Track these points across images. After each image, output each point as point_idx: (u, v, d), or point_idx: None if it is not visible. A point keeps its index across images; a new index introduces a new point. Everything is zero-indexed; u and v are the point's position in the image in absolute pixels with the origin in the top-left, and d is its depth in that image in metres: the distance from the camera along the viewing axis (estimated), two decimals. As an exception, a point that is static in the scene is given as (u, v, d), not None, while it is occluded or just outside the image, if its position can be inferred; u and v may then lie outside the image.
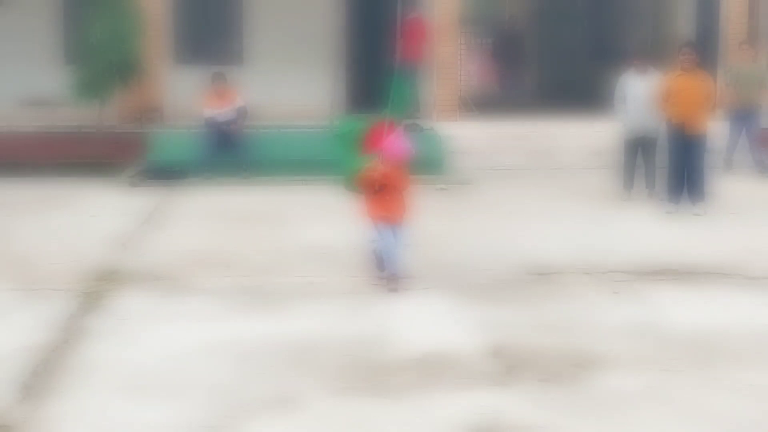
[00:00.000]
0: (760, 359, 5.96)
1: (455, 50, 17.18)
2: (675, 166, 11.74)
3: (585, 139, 16.77)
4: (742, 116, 14.97)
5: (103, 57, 14.93)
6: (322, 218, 11.36)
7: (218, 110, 14.78)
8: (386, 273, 7.84)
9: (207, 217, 11.48)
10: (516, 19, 22.73)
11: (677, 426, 4.88)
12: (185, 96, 18.21)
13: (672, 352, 6.09)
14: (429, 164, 14.73)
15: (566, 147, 16.53)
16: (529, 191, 13.52)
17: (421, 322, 6.88)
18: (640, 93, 12.49)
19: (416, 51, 18.05)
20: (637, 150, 12.76)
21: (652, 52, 16.91)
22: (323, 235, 10.23)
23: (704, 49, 15.30)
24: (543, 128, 16.99)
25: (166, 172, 14.46)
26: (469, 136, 16.74)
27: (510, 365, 5.86)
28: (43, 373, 5.71)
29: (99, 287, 7.89)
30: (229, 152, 14.66)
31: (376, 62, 19.44)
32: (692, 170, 11.64)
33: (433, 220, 11.12)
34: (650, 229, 10.58)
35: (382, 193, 7.86)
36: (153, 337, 6.50)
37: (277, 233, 10.34)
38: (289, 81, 18.65)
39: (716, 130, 16.19)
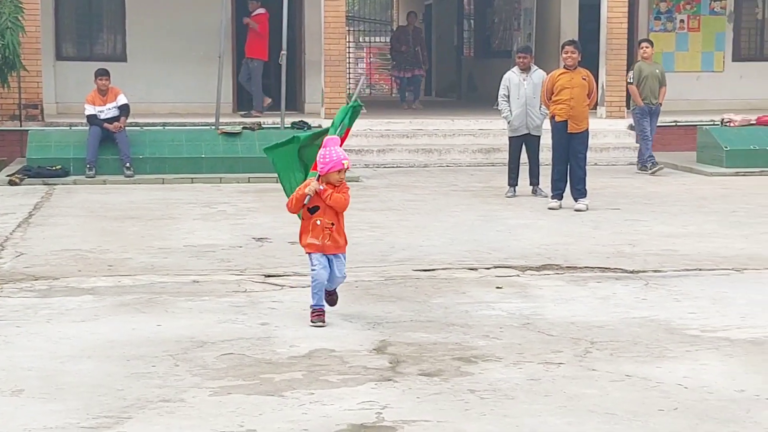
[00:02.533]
0: (637, 350, 6.09)
1: (343, 48, 17.20)
2: (558, 162, 11.95)
3: (472, 136, 16.98)
4: (649, 113, 15.19)
5: (-20, 53, 14.53)
6: (207, 216, 11.25)
7: (101, 107, 14.51)
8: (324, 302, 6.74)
9: (89, 215, 11.27)
10: (412, 19, 22.78)
11: (556, 417, 4.95)
12: (67, 93, 17.84)
13: (553, 345, 6.19)
14: (316, 162, 14.74)
15: (454, 144, 16.71)
16: (417, 188, 13.62)
17: (307, 319, 6.84)
18: (525, 91, 12.68)
19: (260, 47, 17.98)
20: (522, 147, 12.96)
21: (536, 51, 17.17)
22: (209, 233, 10.14)
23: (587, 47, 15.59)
24: (432, 126, 17.14)
25: (47, 170, 14.15)
26: (357, 134, 16.78)
27: (395, 361, 5.89)
28: None
29: (-25, 288, 7.67)
30: (112, 150, 14.42)
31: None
32: (574, 166, 11.86)
33: (320, 217, 11.11)
34: (534, 224, 10.74)
35: (314, 217, 6.67)
36: (31, 338, 6.34)
37: (162, 232, 10.21)
38: (173, 78, 18.43)
39: (602, 126, 16.59)
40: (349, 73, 23.37)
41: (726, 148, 15.53)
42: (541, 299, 7.43)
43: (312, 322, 6.62)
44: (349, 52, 24.07)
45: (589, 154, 12.52)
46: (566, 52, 11.97)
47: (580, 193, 11.84)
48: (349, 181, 14.40)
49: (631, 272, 8.34)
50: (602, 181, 13.94)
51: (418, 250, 9.26)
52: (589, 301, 7.37)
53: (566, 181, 11.95)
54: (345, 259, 6.80)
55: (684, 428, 4.81)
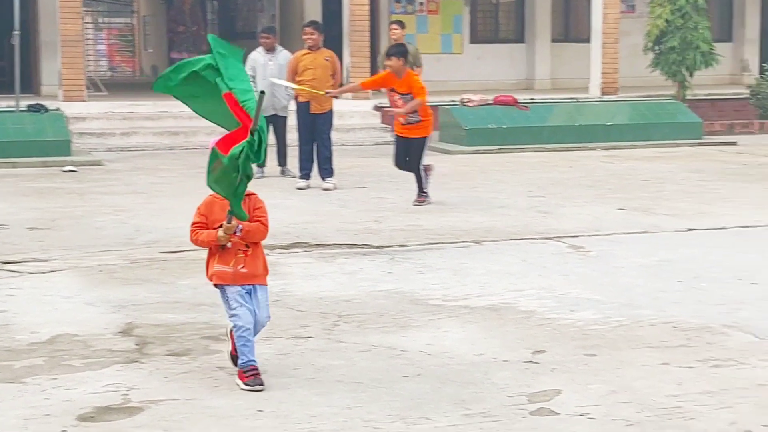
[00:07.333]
0: (382, 321, 6.24)
1: (80, 28, 16.64)
2: (304, 143, 12.04)
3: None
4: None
5: None
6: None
7: None
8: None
9: None
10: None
11: (305, 389, 5.02)
12: None
13: (302, 320, 6.25)
14: (56, 145, 14.24)
15: (200, 126, 16.46)
16: (163, 171, 13.40)
17: (50, 304, 6.63)
18: (270, 71, 12.68)
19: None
20: (269, 127, 12.95)
21: (281, 32, 17.20)
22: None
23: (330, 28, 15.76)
24: (177, 108, 16.85)
25: None
26: (99, 117, 16.34)
27: (141, 342, 5.79)
28: None
29: None
30: None
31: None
32: (320, 147, 11.98)
33: (62, 201, 10.77)
34: (282, 204, 10.77)
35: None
36: None
37: None
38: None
39: (347, 107, 16.81)
40: (88, 54, 22.60)
41: (466, 127, 16.09)
42: (291, 276, 7.48)
43: (247, 385, 4.97)
44: (87, 33, 23.28)
45: (335, 135, 12.68)
46: (306, 34, 12.09)
47: (327, 172, 11.98)
48: (90, 165, 14.08)
49: (378, 247, 8.52)
50: (349, 161, 14.14)
51: (165, 232, 9.11)
52: (336, 277, 7.49)
53: (313, 161, 12.06)
54: (268, 294, 5.24)
55: (427, 392, 4.97)
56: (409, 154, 10.90)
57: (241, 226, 5.04)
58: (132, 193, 11.53)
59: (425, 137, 10.87)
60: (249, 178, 4.88)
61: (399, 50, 10.76)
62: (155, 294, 6.94)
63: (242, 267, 5.08)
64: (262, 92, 4.82)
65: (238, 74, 4.89)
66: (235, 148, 4.76)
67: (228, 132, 4.94)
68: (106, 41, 30.61)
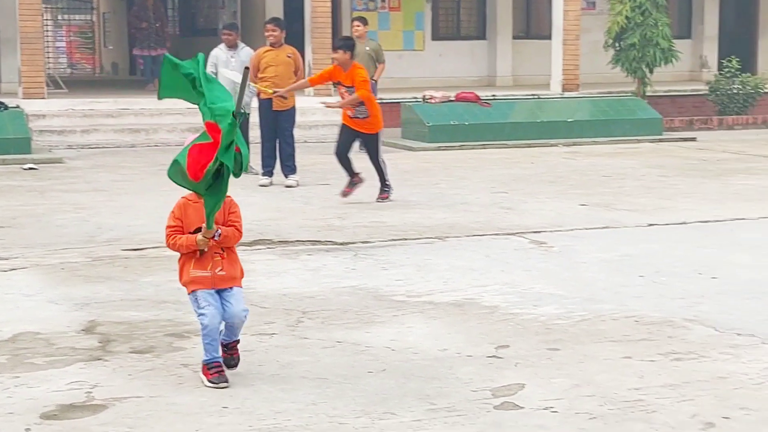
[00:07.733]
0: (347, 318, 6.25)
1: (39, 25, 16.50)
2: (266, 139, 12.03)
3: (180, 115, 16.75)
4: None
5: None
6: None
7: None
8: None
9: None
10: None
11: (269, 385, 5.03)
12: None
13: (266, 317, 6.25)
14: (15, 143, 14.12)
15: (162, 124, 16.44)
16: (125, 169, 13.33)
17: (12, 303, 6.59)
18: (232, 68, 12.63)
19: None
20: (231, 125, 12.91)
21: (242, 29, 17.15)
22: None
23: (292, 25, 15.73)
24: (138, 105, 16.79)
25: None
26: (59, 114, 16.23)
27: (104, 340, 5.77)
28: None
29: None
30: None
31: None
32: (283, 144, 11.98)
33: (23, 199, 10.69)
34: (245, 201, 10.69)
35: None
36: None
37: None
38: None
39: (310, 104, 16.79)
40: (48, 51, 22.40)
41: (428, 123, 16.12)
42: (254, 273, 7.45)
43: (211, 382, 4.97)
44: (47, 30, 23.06)
45: (298, 132, 12.66)
46: (267, 30, 12.08)
47: (289, 169, 11.97)
48: (51, 162, 13.97)
49: (341, 244, 8.53)
50: (312, 158, 14.13)
51: (127, 230, 9.08)
52: (300, 273, 7.49)
53: (276, 158, 12.05)
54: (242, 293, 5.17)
55: (392, 387, 4.99)
56: (349, 147, 10.91)
57: (219, 230, 5.00)
58: (93, 190, 11.46)
59: (376, 133, 10.88)
60: (231, 169, 4.91)
61: (346, 43, 10.75)
62: (118, 291, 6.91)
63: (220, 270, 5.05)
64: (247, 68, 4.85)
65: (220, 95, 4.84)
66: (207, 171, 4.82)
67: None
68: (65, 38, 30.38)
